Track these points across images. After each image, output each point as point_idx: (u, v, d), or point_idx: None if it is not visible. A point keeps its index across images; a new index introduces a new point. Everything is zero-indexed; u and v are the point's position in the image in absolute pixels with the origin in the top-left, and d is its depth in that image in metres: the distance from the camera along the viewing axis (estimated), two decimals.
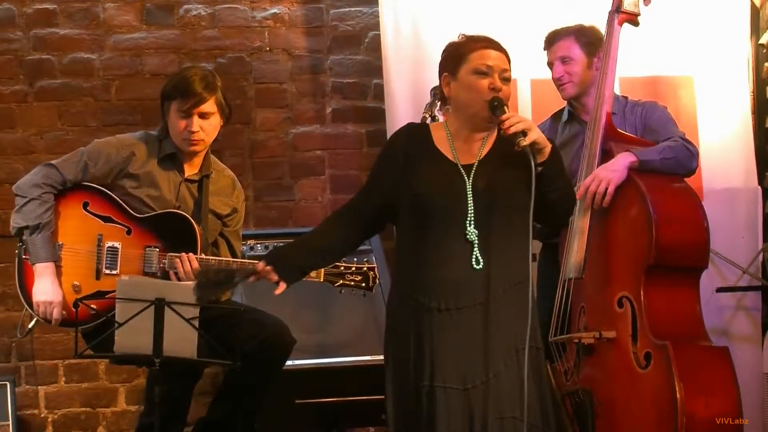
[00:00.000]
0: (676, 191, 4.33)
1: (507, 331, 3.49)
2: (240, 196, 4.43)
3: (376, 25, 5.41)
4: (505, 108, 3.51)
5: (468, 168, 3.57)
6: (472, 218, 3.51)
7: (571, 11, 5.06)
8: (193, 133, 4.15)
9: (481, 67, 3.55)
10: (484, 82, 3.54)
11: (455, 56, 3.60)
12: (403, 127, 3.78)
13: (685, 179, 4.41)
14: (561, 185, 3.55)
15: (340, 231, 3.70)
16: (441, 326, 3.50)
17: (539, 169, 3.45)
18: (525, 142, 3.44)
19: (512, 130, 3.45)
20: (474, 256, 3.50)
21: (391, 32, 5.28)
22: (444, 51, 3.68)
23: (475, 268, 3.50)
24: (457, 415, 3.45)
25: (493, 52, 3.58)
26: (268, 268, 3.63)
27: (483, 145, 3.61)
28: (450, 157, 3.59)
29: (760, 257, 5.26)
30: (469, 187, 3.54)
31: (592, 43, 4.56)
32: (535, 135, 3.46)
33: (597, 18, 4.66)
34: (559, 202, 3.56)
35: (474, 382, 3.47)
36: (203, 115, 4.17)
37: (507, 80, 3.57)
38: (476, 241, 3.50)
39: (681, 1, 5.33)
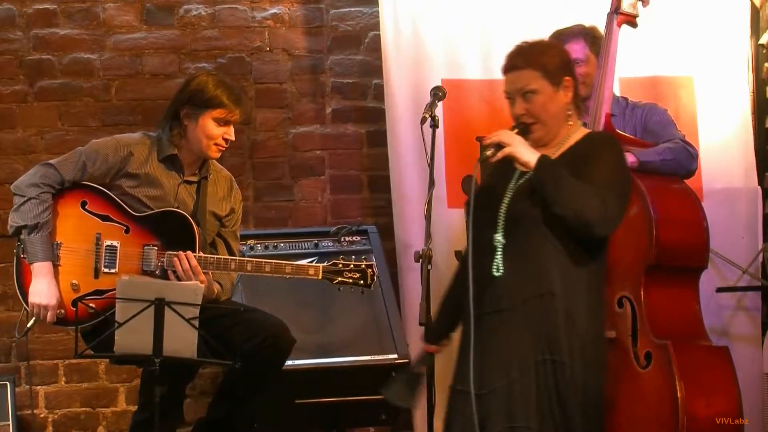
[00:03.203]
0: (676, 192, 4.33)
1: (523, 341, 3.48)
2: (237, 197, 4.45)
3: (376, 25, 5.41)
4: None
5: (522, 174, 3.60)
6: (502, 226, 3.52)
7: (571, 11, 5.07)
8: (228, 141, 4.24)
9: (505, 95, 3.61)
10: (512, 112, 3.60)
11: None
12: None
13: (685, 180, 4.41)
14: (556, 199, 3.48)
15: None
16: (467, 330, 3.54)
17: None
18: (489, 152, 3.51)
19: (486, 142, 3.52)
20: (495, 263, 3.51)
21: (391, 32, 5.28)
22: None
23: (494, 275, 3.51)
24: (471, 418, 3.45)
25: (507, 77, 3.61)
26: (434, 347, 3.79)
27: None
28: (516, 164, 3.62)
29: (760, 257, 5.26)
30: (508, 195, 3.57)
31: (598, 45, 4.56)
32: (511, 150, 3.50)
33: (596, 18, 4.66)
34: (561, 213, 3.49)
35: (488, 387, 3.47)
36: (235, 124, 4.28)
37: (530, 93, 3.56)
38: (500, 249, 3.51)
39: (681, 1, 5.32)
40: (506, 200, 3.57)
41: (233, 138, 4.28)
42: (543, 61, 3.58)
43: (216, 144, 4.23)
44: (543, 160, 3.50)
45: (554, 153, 3.59)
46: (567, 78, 3.60)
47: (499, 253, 3.52)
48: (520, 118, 3.59)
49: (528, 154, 3.50)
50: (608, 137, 3.71)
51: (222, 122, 4.22)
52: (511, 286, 3.50)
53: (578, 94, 3.68)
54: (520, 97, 3.58)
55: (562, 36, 4.63)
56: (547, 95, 3.57)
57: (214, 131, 4.22)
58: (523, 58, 3.60)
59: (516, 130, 3.58)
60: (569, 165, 3.53)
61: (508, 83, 3.61)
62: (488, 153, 3.51)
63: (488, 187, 3.65)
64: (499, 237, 3.53)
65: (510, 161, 3.58)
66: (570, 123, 3.65)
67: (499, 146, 3.51)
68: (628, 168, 3.70)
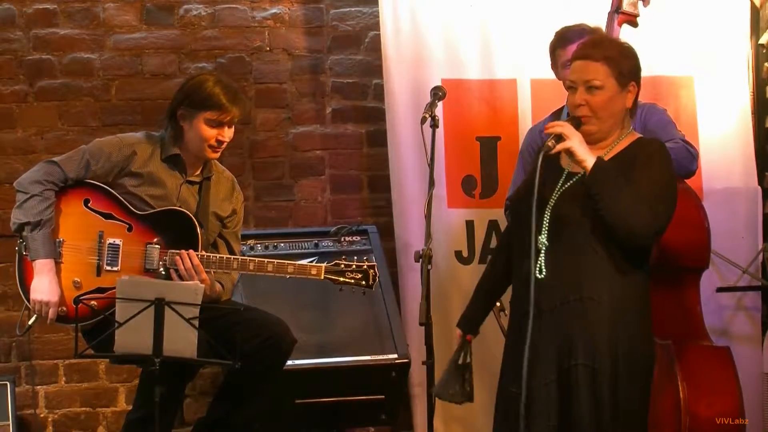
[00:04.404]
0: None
1: (557, 344, 3.46)
2: (239, 198, 4.44)
3: (376, 25, 5.41)
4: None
5: (570, 176, 3.58)
6: (547, 228, 3.50)
7: (572, 11, 5.06)
8: (222, 142, 4.22)
9: (568, 82, 3.57)
10: (571, 100, 3.56)
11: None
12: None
13: (685, 180, 4.41)
14: (608, 205, 3.43)
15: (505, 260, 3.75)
16: (514, 330, 3.58)
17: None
18: (551, 143, 3.44)
19: (548, 131, 3.47)
20: (538, 265, 3.48)
21: (391, 32, 5.28)
22: None
23: (537, 277, 3.47)
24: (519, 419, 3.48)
25: (576, 63, 3.57)
26: (470, 335, 3.77)
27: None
28: (563, 164, 3.60)
29: (760, 257, 5.26)
30: (554, 197, 3.54)
31: None
32: (570, 145, 3.44)
33: (596, 18, 4.66)
34: (609, 220, 3.44)
35: (530, 388, 3.46)
36: (230, 125, 4.24)
37: (596, 88, 3.51)
38: (543, 250, 3.48)
39: (681, 1, 5.32)
40: (552, 202, 3.53)
41: (227, 139, 4.25)
42: (619, 61, 3.55)
43: (210, 145, 4.22)
44: (600, 163, 3.46)
45: (605, 155, 3.55)
46: (633, 83, 3.58)
47: (542, 254, 3.48)
48: (576, 109, 3.54)
49: (585, 153, 3.45)
50: (658, 143, 3.64)
51: (215, 123, 4.20)
52: (552, 288, 3.46)
53: (637, 101, 3.65)
54: (584, 88, 3.53)
55: (565, 36, 4.62)
56: (612, 93, 3.53)
57: (207, 132, 4.20)
58: (600, 51, 3.56)
59: (571, 123, 3.54)
60: (618, 169, 3.49)
61: (576, 71, 3.56)
62: (550, 144, 3.44)
63: (532, 187, 3.56)
64: (543, 239, 3.49)
65: (556, 160, 3.56)
66: (624, 127, 3.62)
67: (560, 138, 3.46)
68: (675, 174, 3.66)
